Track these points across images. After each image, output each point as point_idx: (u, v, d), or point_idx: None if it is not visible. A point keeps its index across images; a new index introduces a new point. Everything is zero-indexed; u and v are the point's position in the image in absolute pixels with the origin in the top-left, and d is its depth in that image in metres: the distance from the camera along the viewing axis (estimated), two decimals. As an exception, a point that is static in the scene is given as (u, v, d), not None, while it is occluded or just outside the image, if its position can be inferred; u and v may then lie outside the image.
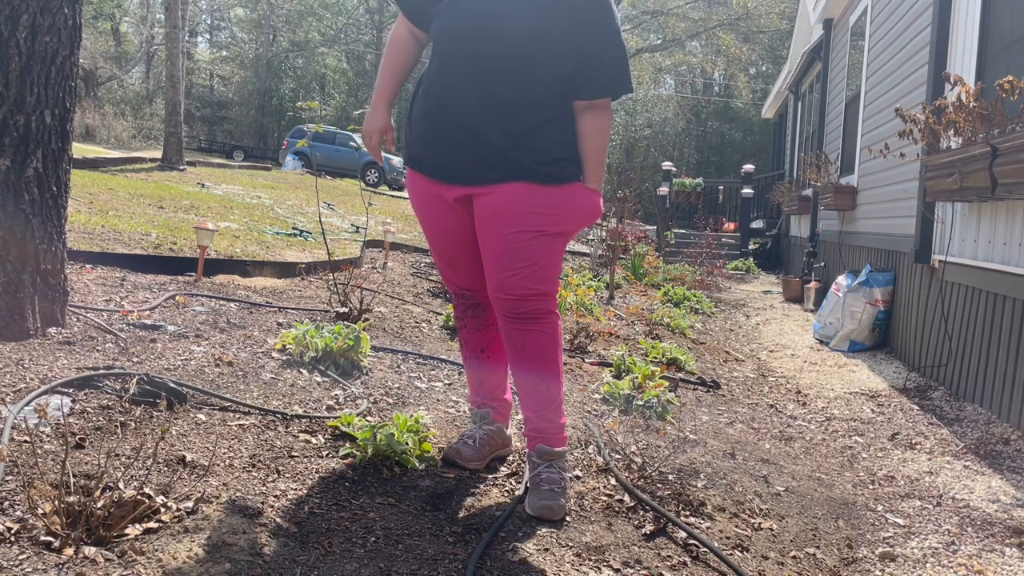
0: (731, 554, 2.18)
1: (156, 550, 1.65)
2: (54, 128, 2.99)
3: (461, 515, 2.15)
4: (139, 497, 1.74)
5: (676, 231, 14.82)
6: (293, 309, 4.27)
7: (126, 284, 4.18)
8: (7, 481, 1.81)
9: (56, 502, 1.65)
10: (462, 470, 2.44)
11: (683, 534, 2.20)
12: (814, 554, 2.32)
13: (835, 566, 2.29)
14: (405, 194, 20.61)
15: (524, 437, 2.41)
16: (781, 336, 6.84)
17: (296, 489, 2.10)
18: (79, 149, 15.13)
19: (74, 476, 1.83)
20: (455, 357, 3.81)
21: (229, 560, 1.68)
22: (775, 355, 5.97)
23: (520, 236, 2.20)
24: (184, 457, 2.11)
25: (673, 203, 15.94)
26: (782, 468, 3.08)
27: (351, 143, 24.18)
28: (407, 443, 2.39)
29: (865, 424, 4.08)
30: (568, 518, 2.22)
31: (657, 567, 2.01)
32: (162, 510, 1.79)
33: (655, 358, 4.53)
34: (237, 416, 2.51)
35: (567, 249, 12.87)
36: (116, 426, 2.22)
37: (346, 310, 4.03)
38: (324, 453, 2.37)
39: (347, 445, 2.39)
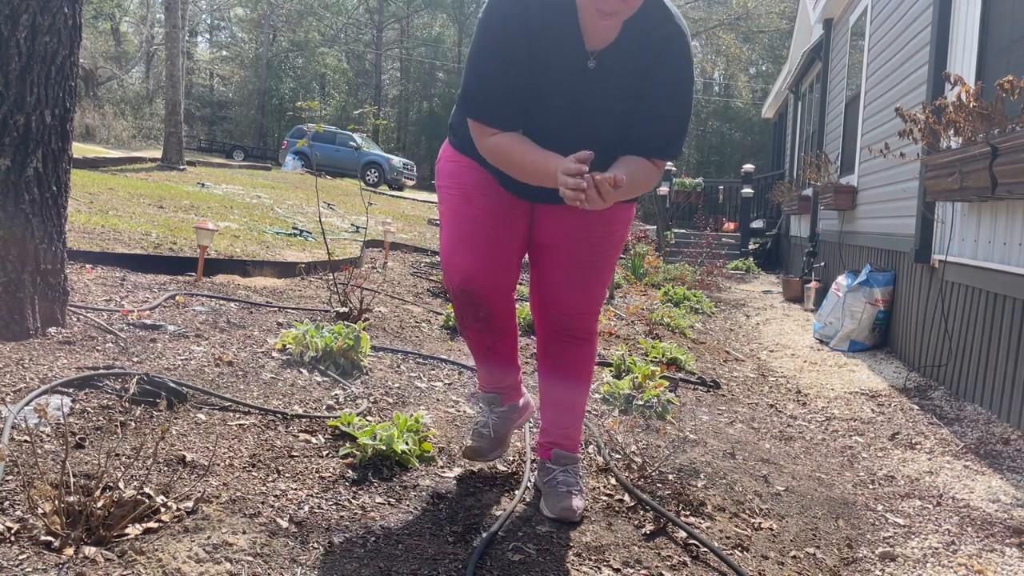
0: (731, 554, 2.18)
1: (156, 550, 1.65)
2: (54, 128, 2.99)
3: (461, 515, 2.15)
4: (139, 497, 1.74)
5: (676, 231, 14.81)
6: (293, 309, 4.27)
7: (126, 284, 4.18)
8: (7, 481, 1.81)
9: (56, 502, 1.65)
10: (463, 468, 2.44)
11: (683, 534, 2.20)
12: (814, 554, 2.32)
13: (835, 566, 2.29)
14: (405, 194, 20.62)
15: (537, 445, 2.40)
16: (781, 336, 6.84)
17: (296, 489, 2.10)
18: (79, 149, 15.13)
19: (74, 476, 1.83)
20: (455, 357, 3.81)
21: (229, 560, 1.68)
22: (775, 355, 5.97)
23: (594, 253, 2.20)
24: (184, 457, 2.11)
25: (673, 203, 15.93)
26: (782, 468, 3.08)
27: (351, 143, 24.17)
28: (407, 443, 2.39)
29: (865, 424, 4.08)
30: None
31: (657, 567, 2.01)
32: (162, 510, 1.79)
33: (655, 358, 4.53)
34: (237, 416, 2.51)
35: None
36: (116, 426, 2.22)
37: (346, 310, 4.03)
38: (324, 453, 2.37)
39: (347, 445, 2.39)
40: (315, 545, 1.84)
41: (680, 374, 4.40)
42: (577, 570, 1.94)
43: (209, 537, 1.74)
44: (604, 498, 2.39)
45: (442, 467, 2.45)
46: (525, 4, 1.94)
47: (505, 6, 1.95)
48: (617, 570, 1.97)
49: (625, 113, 2.03)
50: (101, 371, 2.56)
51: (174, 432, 2.27)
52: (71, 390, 2.40)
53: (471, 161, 2.17)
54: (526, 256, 2.33)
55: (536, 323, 2.34)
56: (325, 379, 3.08)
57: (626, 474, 2.57)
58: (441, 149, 2.32)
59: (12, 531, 1.62)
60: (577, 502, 2.20)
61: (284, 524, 1.90)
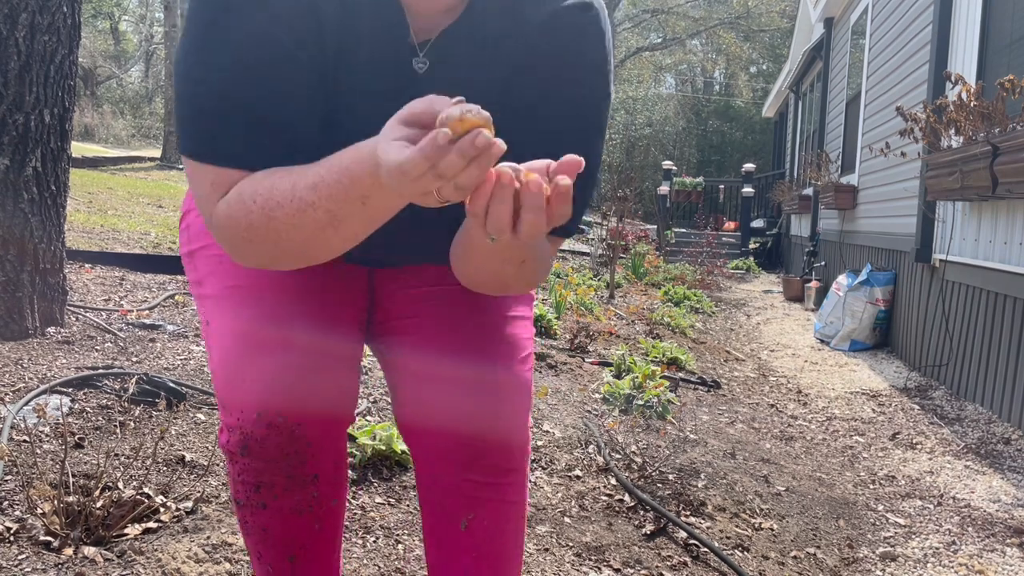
0: (731, 554, 2.17)
1: (156, 550, 1.65)
2: (53, 127, 2.99)
3: (461, 515, 2.14)
4: (138, 497, 1.74)
5: (676, 230, 14.81)
6: (293, 308, 4.26)
7: (125, 283, 4.18)
8: (7, 481, 1.80)
9: (55, 502, 1.65)
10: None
11: (683, 534, 2.19)
12: (815, 554, 2.32)
13: (836, 566, 2.29)
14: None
15: None
16: (782, 335, 6.84)
17: (296, 489, 2.09)
18: (78, 148, 15.13)
19: (73, 476, 1.83)
20: (455, 356, 3.80)
21: (229, 560, 1.68)
22: (776, 355, 5.97)
23: (494, 320, 1.28)
24: (184, 457, 2.11)
25: (673, 202, 15.93)
26: (783, 468, 3.08)
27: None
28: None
29: (866, 424, 4.08)
30: (568, 518, 2.22)
31: (657, 567, 2.01)
32: (162, 510, 1.78)
33: (655, 357, 4.52)
34: (237, 416, 2.50)
35: (568, 249, 12.45)
36: (115, 426, 2.22)
37: (346, 309, 4.02)
38: (324, 453, 2.37)
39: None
40: (315, 545, 1.83)
41: (680, 374, 4.39)
42: (577, 570, 1.93)
43: (209, 537, 1.74)
44: (604, 498, 2.39)
45: (442, 467, 2.44)
46: None
47: None
48: (617, 570, 1.97)
49: None
50: (100, 371, 2.56)
51: (173, 432, 2.27)
52: (70, 390, 2.39)
53: None
54: None
55: (416, 463, 1.29)
56: (325, 379, 3.07)
57: (626, 474, 2.57)
58: (187, 199, 1.38)
59: (11, 531, 1.62)
60: None
61: (284, 524, 1.89)
